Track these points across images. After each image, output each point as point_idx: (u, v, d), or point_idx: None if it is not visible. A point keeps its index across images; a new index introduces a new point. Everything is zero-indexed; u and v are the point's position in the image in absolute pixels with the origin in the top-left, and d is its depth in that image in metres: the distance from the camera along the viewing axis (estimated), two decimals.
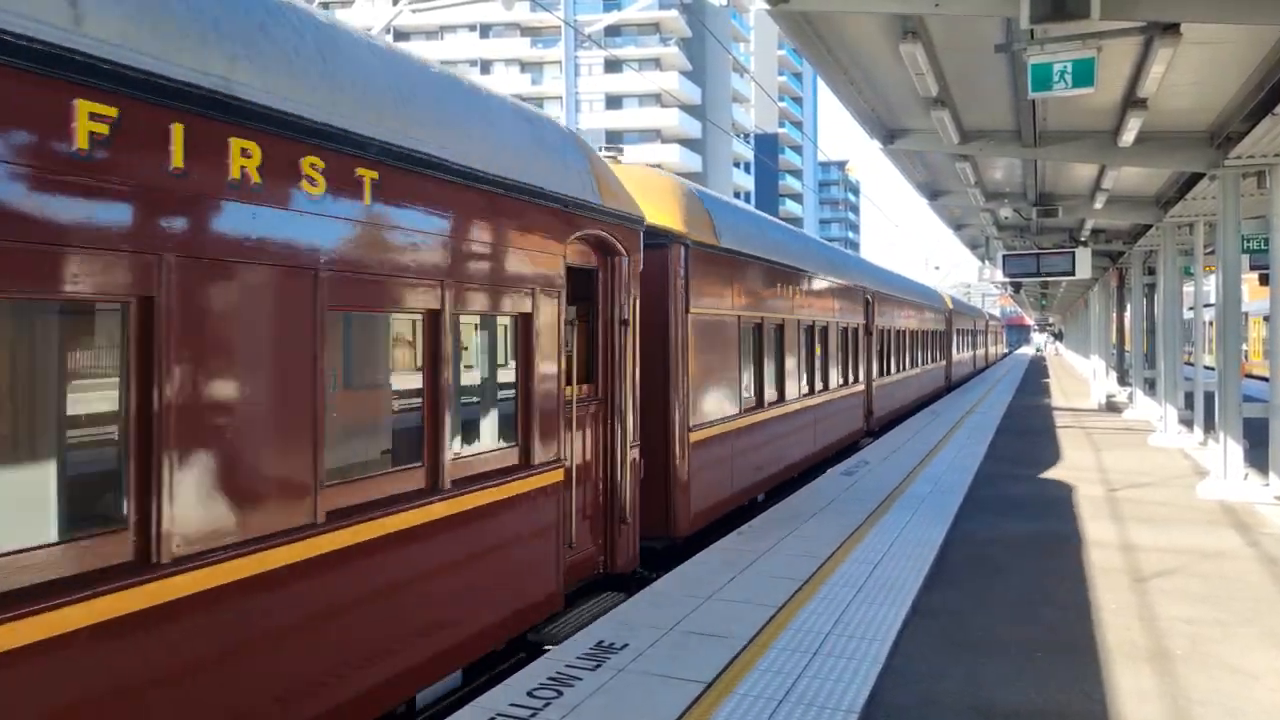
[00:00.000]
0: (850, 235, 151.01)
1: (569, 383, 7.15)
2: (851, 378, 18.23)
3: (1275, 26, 7.63)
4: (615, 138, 74.02)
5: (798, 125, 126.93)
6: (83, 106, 3.37)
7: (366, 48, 5.19)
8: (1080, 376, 41.96)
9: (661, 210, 9.37)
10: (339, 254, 4.61)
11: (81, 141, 3.38)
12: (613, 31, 75.34)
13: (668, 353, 9.33)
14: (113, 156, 3.49)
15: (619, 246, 7.88)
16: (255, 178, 4.10)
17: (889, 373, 22.51)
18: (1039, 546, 8.97)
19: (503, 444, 6.35)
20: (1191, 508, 10.89)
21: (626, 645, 6.03)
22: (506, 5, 15.63)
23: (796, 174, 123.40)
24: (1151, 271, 22.61)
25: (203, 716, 3.87)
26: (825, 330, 15.84)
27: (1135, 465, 14.37)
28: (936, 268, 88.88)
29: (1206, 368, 21.20)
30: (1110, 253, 24.25)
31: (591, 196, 7.35)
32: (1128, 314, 26.13)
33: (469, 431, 6.13)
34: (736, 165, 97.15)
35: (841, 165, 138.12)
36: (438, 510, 5.38)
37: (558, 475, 6.82)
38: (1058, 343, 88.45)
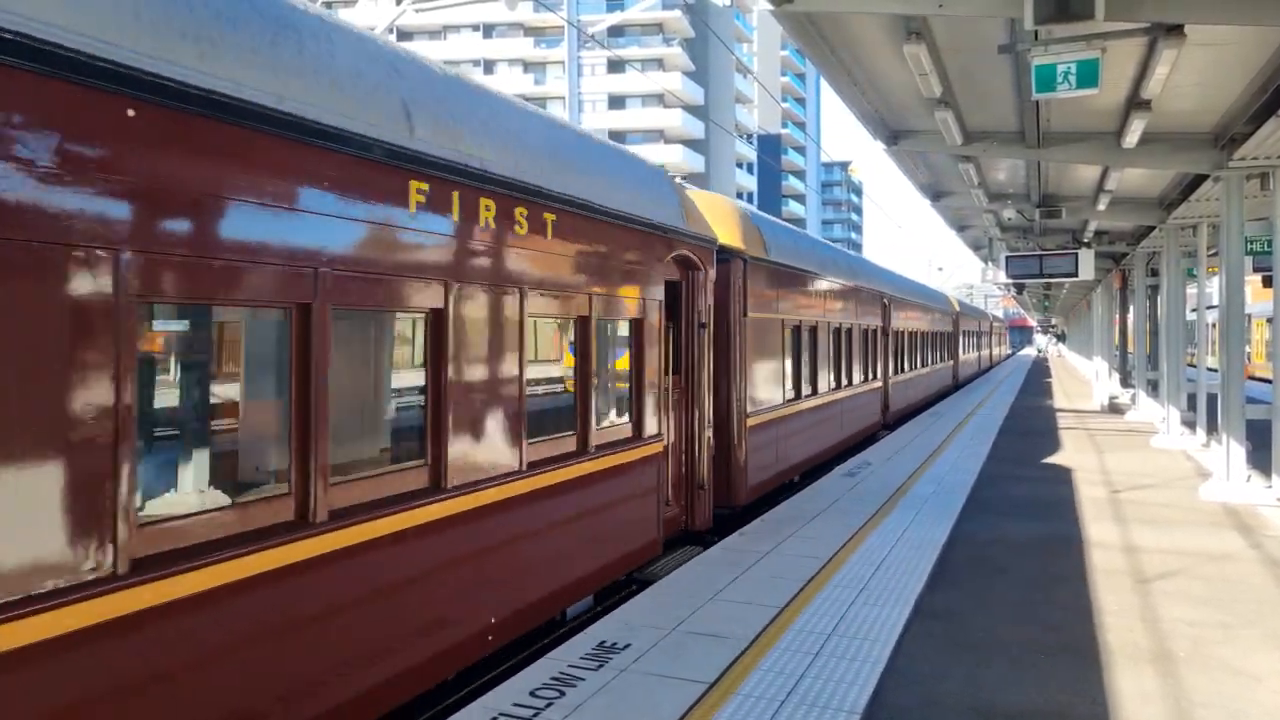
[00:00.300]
0: (853, 236, 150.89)
1: (664, 374, 8.71)
2: (871, 375, 19.41)
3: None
4: (618, 138, 73.99)
5: (801, 126, 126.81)
6: (413, 185, 5.10)
7: (544, 123, 6.97)
8: (1083, 378, 41.92)
9: (725, 230, 10.85)
10: (533, 275, 6.31)
11: (412, 208, 5.11)
12: (616, 32, 75.37)
13: (730, 350, 10.81)
14: (425, 216, 5.21)
15: (699, 263, 9.48)
16: (492, 224, 5.85)
17: (903, 371, 23.63)
18: (1041, 547, 8.96)
19: (623, 420, 8.00)
20: (1194, 509, 10.88)
21: (629, 645, 6.03)
22: (510, 5, 15.62)
23: (800, 175, 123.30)
24: (1154, 273, 22.54)
25: (463, 592, 5.62)
26: (850, 332, 17.06)
27: (1138, 467, 14.36)
28: (940, 269, 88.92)
29: (1209, 369, 21.18)
30: (1113, 254, 24.21)
31: (681, 223, 8.97)
32: (1130, 315, 26.09)
33: (602, 410, 7.60)
34: (739, 166, 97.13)
35: (844, 166, 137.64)
36: (587, 467, 7.11)
37: (659, 447, 8.55)
38: (1060, 344, 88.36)
